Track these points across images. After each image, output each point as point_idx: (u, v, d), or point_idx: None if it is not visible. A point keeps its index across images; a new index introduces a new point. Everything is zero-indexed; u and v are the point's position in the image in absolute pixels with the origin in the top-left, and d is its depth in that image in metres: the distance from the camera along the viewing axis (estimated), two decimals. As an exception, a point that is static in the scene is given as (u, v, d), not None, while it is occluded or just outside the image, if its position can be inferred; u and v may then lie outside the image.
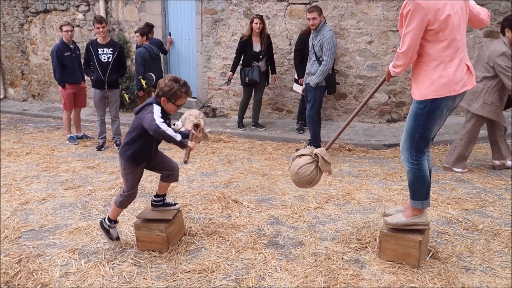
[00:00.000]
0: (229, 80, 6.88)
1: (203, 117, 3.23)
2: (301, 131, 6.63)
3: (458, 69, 2.51)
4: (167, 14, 8.26)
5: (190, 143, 2.82)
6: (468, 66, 2.58)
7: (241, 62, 6.67)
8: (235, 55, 6.74)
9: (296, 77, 6.52)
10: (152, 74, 6.40)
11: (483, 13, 2.67)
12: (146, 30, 6.83)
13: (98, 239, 3.35)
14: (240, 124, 7.08)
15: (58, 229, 3.58)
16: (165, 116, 2.91)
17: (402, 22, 2.53)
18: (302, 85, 5.95)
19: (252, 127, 6.99)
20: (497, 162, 4.62)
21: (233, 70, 6.76)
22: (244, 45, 6.49)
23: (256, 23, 6.34)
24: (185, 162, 2.79)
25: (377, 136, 6.22)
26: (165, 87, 2.84)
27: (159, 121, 2.76)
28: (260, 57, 6.55)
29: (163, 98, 2.86)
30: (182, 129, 3.04)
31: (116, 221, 3.17)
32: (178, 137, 2.78)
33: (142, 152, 2.97)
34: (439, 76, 2.49)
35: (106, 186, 4.59)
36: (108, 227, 3.14)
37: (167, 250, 3.08)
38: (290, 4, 6.90)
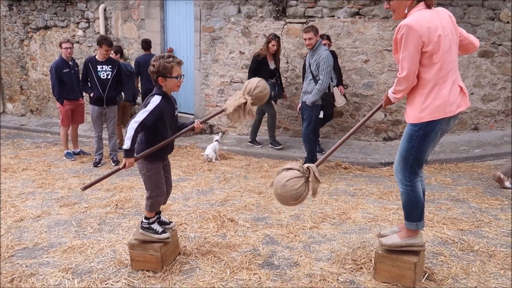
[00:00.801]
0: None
1: (258, 85, 3.14)
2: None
3: (451, 90, 2.53)
4: (166, 32, 8.37)
5: (127, 162, 2.82)
6: (461, 87, 2.61)
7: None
8: (248, 74, 6.58)
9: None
10: (122, 93, 6.56)
11: (472, 37, 2.73)
12: (120, 48, 7.22)
13: (92, 258, 3.32)
14: (256, 142, 6.96)
15: (52, 247, 3.55)
16: (168, 103, 2.94)
17: (396, 48, 2.55)
18: None
19: (270, 145, 6.82)
20: (501, 175, 4.61)
21: None
22: (260, 62, 6.40)
23: (274, 45, 6.31)
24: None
25: (373, 154, 6.24)
26: (154, 68, 2.89)
27: (135, 121, 2.78)
28: (277, 74, 6.59)
29: (159, 78, 2.90)
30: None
31: (154, 216, 3.13)
32: (126, 146, 2.79)
33: (160, 152, 2.99)
34: (433, 99, 2.51)
35: (102, 204, 4.57)
36: (148, 224, 3.08)
37: (161, 270, 3.05)
38: (287, 23, 7.01)
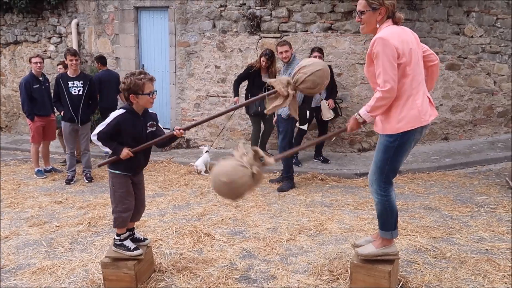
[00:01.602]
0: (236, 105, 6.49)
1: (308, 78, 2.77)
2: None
3: (423, 100, 2.62)
4: (141, 46, 8.32)
5: (123, 154, 2.87)
6: (429, 98, 2.70)
7: (245, 92, 6.55)
8: (235, 80, 6.52)
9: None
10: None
11: (432, 52, 2.82)
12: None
13: (63, 279, 3.21)
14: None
15: (20, 269, 3.41)
16: (135, 118, 2.93)
17: (370, 62, 2.60)
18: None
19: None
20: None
21: (236, 94, 6.44)
22: (253, 74, 6.27)
23: (263, 61, 6.11)
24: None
25: (349, 165, 6.34)
26: (125, 86, 2.88)
27: (95, 133, 2.86)
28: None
29: (131, 96, 2.87)
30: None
31: (127, 232, 3.06)
32: (109, 150, 2.89)
33: (132, 162, 2.96)
34: (409, 109, 2.57)
35: (74, 222, 4.44)
36: (120, 241, 3.01)
37: (136, 289, 2.98)
38: (262, 38, 7.10)
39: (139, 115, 2.98)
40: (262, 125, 6.68)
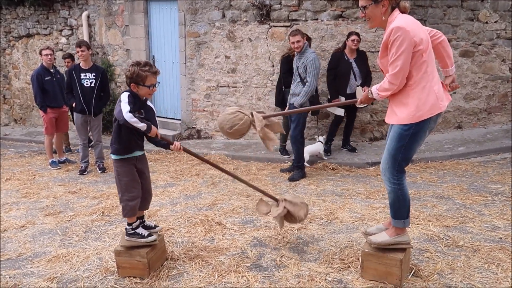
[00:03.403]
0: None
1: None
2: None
3: (439, 86, 2.61)
4: (151, 38, 8.34)
5: (154, 133, 2.91)
6: (442, 83, 2.67)
7: (277, 84, 6.31)
8: (283, 75, 6.06)
9: (329, 97, 6.31)
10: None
11: (435, 30, 2.77)
12: (68, 54, 7.31)
13: (78, 267, 3.27)
14: (284, 152, 6.55)
15: (36, 257, 3.49)
16: (137, 102, 2.92)
17: (385, 50, 2.57)
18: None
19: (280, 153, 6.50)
20: None
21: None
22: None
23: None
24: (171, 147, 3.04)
25: (360, 155, 6.30)
26: (128, 74, 2.90)
27: (126, 112, 2.77)
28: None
29: (132, 84, 2.90)
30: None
31: (137, 220, 3.11)
32: (143, 127, 2.84)
33: (128, 142, 2.97)
34: (428, 95, 2.54)
35: (88, 212, 4.51)
36: (132, 229, 3.06)
37: (149, 276, 3.02)
38: (271, 27, 7.04)
39: (140, 100, 2.98)
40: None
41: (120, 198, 3.05)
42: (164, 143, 3.10)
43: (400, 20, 2.51)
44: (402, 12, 2.59)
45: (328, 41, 6.73)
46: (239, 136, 3.17)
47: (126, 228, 3.09)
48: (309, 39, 5.99)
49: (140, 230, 3.08)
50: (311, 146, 6.00)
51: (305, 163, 5.69)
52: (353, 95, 6.04)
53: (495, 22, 6.60)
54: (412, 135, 2.59)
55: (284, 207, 3.30)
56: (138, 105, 2.96)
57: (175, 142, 3.09)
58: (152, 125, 2.93)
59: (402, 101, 2.60)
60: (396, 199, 2.73)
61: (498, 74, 6.78)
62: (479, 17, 6.58)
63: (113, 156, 3.03)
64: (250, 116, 3.11)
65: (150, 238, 3.05)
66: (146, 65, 2.90)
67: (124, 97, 2.87)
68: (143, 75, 2.86)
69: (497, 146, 6.10)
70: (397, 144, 2.64)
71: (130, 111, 2.80)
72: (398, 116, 2.62)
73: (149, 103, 3.10)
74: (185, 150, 3.19)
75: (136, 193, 3.03)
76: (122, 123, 2.82)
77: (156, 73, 2.93)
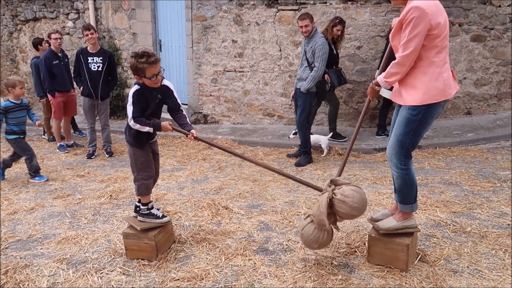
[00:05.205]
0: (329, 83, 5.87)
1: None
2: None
3: (449, 74, 2.56)
4: (157, 21, 8.27)
5: (165, 127, 2.94)
6: (452, 72, 2.62)
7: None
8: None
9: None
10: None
11: None
12: (38, 39, 7.23)
13: (87, 248, 3.32)
14: (339, 135, 6.34)
15: (46, 239, 3.54)
16: (146, 93, 2.91)
17: (399, 29, 2.52)
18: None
19: (331, 138, 6.10)
20: None
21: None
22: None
23: (339, 30, 5.73)
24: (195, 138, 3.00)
25: (367, 141, 6.26)
26: (130, 65, 2.89)
27: (129, 119, 2.87)
28: (337, 60, 6.06)
29: (136, 76, 2.89)
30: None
31: (151, 201, 3.17)
32: (149, 129, 2.91)
33: (145, 137, 3.02)
34: (436, 81, 2.51)
35: (96, 195, 4.56)
36: (147, 210, 3.11)
37: (156, 258, 3.06)
38: (279, 11, 6.94)
39: (151, 89, 2.96)
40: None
41: (135, 177, 3.09)
42: (183, 132, 3.07)
43: (421, 0, 2.45)
44: None
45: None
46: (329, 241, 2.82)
47: (140, 209, 3.13)
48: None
49: (155, 211, 3.14)
50: (314, 136, 5.86)
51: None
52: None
53: (508, 5, 6.43)
54: (420, 120, 2.57)
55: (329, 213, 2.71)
56: (148, 96, 2.92)
57: (191, 131, 3.00)
58: (161, 123, 2.92)
59: (411, 83, 2.58)
60: (404, 184, 2.72)
61: (510, 59, 6.65)
62: (492, 1, 6.41)
63: (130, 145, 3.06)
64: (327, 224, 2.68)
65: (165, 219, 3.13)
66: (143, 56, 2.77)
67: (130, 95, 2.87)
68: (141, 67, 2.79)
69: (506, 132, 6.01)
70: (405, 129, 2.62)
71: (134, 116, 2.85)
72: (404, 97, 2.60)
73: (165, 81, 3.03)
74: (200, 140, 3.11)
75: (151, 172, 3.11)
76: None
77: (155, 62, 2.79)
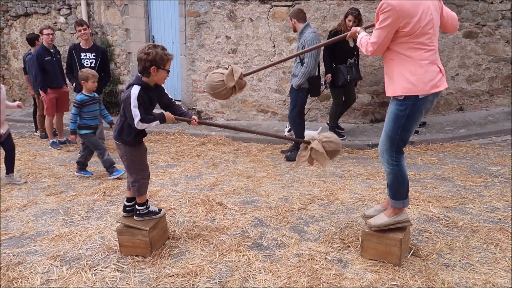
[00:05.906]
0: (328, 83, 5.93)
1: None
2: None
3: (430, 69, 2.54)
4: (150, 17, 8.22)
5: (170, 118, 2.95)
6: (440, 68, 2.62)
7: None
8: (323, 52, 5.80)
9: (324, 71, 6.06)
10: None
11: (454, 18, 2.74)
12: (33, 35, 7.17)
13: (80, 245, 3.31)
14: (340, 129, 6.37)
15: (39, 236, 3.52)
16: (148, 94, 2.85)
17: (377, 20, 2.59)
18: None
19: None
20: None
21: (330, 70, 5.85)
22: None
23: (350, 20, 5.54)
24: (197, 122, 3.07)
25: (361, 136, 6.29)
26: (148, 57, 2.73)
27: (137, 122, 2.77)
28: (355, 53, 5.95)
29: (152, 67, 2.76)
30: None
31: (148, 200, 3.17)
32: (157, 124, 2.88)
33: (141, 134, 3.02)
34: (424, 73, 2.52)
35: (89, 192, 4.54)
36: (146, 209, 3.11)
37: (151, 255, 3.06)
38: (273, 7, 6.94)
39: (152, 88, 2.92)
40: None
41: (135, 178, 3.05)
42: (185, 119, 3.09)
43: None
44: None
45: (330, 21, 6.63)
46: (223, 99, 3.43)
47: (138, 210, 3.11)
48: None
49: (152, 208, 3.16)
50: (306, 132, 5.70)
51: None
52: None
53: (500, 2, 6.48)
54: (408, 115, 2.59)
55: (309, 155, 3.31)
56: (149, 97, 2.87)
57: (193, 117, 3.07)
58: (164, 114, 2.91)
59: (389, 74, 2.67)
60: (395, 179, 2.74)
61: (502, 55, 6.71)
62: (484, -3, 6.46)
63: (125, 144, 3.00)
64: (231, 74, 3.27)
65: (162, 212, 3.21)
66: (164, 48, 2.81)
67: (134, 97, 2.74)
68: (165, 58, 2.77)
69: (498, 128, 6.08)
70: (394, 125, 2.65)
71: (142, 118, 2.76)
72: (386, 88, 2.70)
73: None
74: (202, 123, 3.25)
75: (148, 171, 3.15)
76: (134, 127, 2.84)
77: (172, 57, 2.88)
